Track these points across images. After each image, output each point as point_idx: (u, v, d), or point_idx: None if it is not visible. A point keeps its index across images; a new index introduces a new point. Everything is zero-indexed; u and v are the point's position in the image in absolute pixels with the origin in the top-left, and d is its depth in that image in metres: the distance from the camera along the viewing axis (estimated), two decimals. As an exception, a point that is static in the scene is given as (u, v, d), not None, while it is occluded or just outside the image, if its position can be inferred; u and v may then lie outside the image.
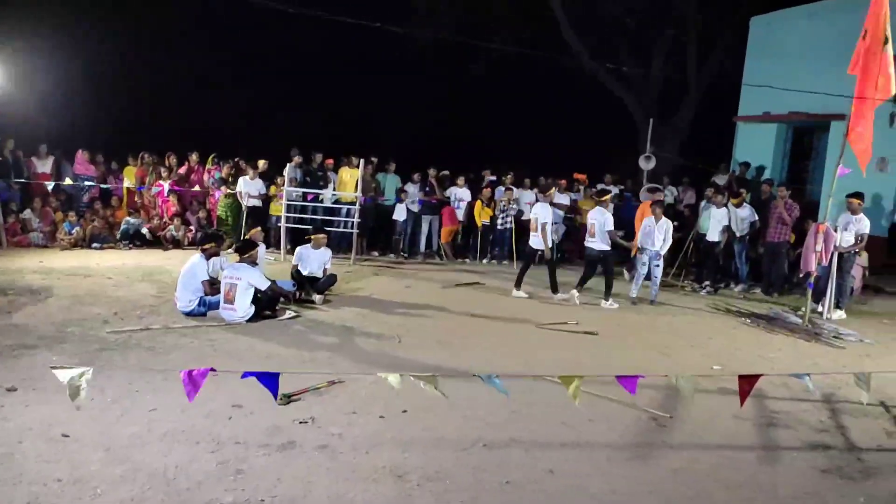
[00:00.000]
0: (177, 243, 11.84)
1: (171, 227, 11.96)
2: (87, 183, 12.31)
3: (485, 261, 12.55)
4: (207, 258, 7.50)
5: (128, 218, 11.90)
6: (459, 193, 12.66)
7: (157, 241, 11.83)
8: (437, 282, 10.05)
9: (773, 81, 11.73)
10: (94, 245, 11.33)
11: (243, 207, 11.84)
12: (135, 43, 17.84)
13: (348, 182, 12.14)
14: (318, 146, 12.91)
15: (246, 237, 9.09)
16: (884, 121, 9.85)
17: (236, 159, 12.79)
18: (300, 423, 4.40)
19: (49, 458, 3.74)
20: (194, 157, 12.87)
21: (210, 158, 12.82)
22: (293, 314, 7.40)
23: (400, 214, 12.40)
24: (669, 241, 9.34)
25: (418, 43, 17.47)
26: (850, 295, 9.35)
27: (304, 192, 12.06)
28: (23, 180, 11.73)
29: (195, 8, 18.13)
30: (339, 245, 11.60)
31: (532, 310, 8.40)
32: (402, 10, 16.89)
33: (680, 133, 17.46)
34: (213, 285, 7.31)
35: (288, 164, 11.70)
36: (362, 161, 11.73)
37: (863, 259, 9.91)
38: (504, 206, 12.40)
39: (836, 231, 8.67)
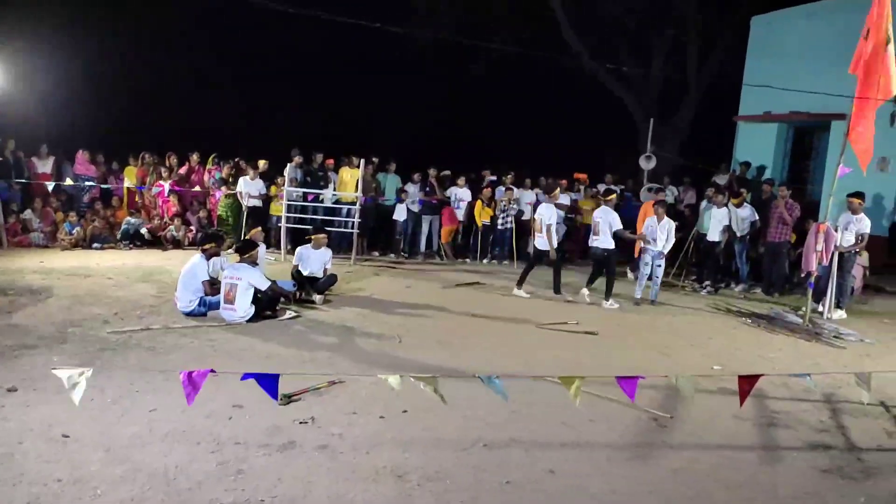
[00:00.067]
0: (177, 243, 11.84)
1: (172, 227, 11.97)
2: (87, 183, 12.32)
3: (485, 261, 12.55)
4: (208, 258, 7.50)
5: (128, 218, 11.91)
6: (460, 193, 12.65)
7: (157, 242, 11.84)
8: (438, 282, 10.05)
9: (773, 81, 11.73)
10: (95, 245, 11.34)
11: (244, 207, 11.84)
12: (135, 43, 17.85)
13: (349, 182, 12.14)
14: (318, 146, 12.92)
15: (246, 237, 9.09)
16: (884, 120, 9.85)
17: (236, 159, 12.80)
18: (300, 423, 4.40)
19: (49, 458, 3.75)
20: (195, 157, 12.87)
21: (210, 158, 12.83)
22: (293, 314, 7.40)
23: (400, 214, 12.40)
24: (672, 241, 9.35)
25: (418, 43, 17.48)
26: (850, 295, 9.35)
27: (304, 193, 12.07)
28: (23, 180, 11.74)
29: (195, 8, 18.13)
30: (339, 245, 11.60)
31: (532, 310, 8.40)
32: (402, 11, 16.90)
33: (680, 133, 17.46)
34: (213, 285, 7.31)
35: (288, 164, 11.71)
36: (363, 161, 11.74)
37: (863, 259, 9.90)
38: (504, 206, 12.39)
39: (836, 231, 8.66)
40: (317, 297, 8.10)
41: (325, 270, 8.62)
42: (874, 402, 5.36)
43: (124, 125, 16.22)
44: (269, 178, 12.28)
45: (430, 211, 12.55)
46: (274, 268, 9.50)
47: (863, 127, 7.73)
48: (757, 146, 14.42)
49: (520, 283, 9.40)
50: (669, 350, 6.88)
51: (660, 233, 9.19)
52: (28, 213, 11.47)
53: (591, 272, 9.36)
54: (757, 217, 10.34)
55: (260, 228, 9.37)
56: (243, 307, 6.98)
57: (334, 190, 12.34)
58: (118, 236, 11.72)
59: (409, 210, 12.39)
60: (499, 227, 12.48)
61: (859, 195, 8.98)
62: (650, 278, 9.27)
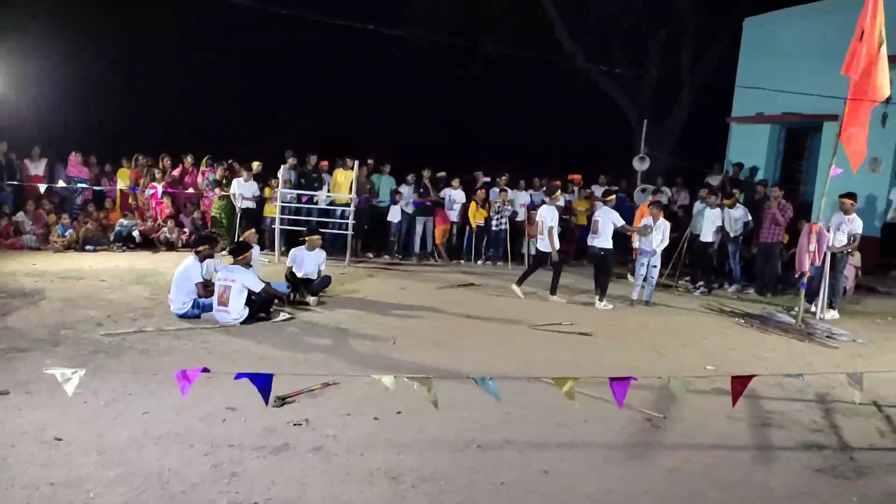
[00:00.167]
0: (170, 245, 11.81)
1: (165, 229, 11.93)
2: (80, 185, 12.27)
3: (479, 262, 12.56)
4: (201, 260, 7.48)
5: (121, 220, 11.86)
6: (453, 195, 12.66)
7: (150, 244, 11.80)
8: (432, 283, 10.05)
9: (766, 82, 11.78)
10: (88, 247, 11.29)
11: (237, 209, 11.82)
12: (128, 45, 17.78)
13: (343, 183, 12.14)
14: (312, 148, 12.91)
15: (240, 239, 9.07)
16: (876, 121, 9.89)
17: (230, 161, 12.78)
18: (294, 425, 4.39)
19: (42, 461, 3.73)
20: (188, 159, 12.83)
21: (204, 160, 12.80)
22: (287, 316, 7.39)
23: (394, 216, 12.40)
24: (666, 241, 9.39)
25: (412, 45, 17.46)
26: (842, 295, 9.39)
27: (298, 194, 12.05)
28: (15, 182, 11.68)
29: (189, 9, 18.08)
30: (333, 247, 11.58)
31: (527, 311, 8.41)
32: (396, 12, 16.90)
33: (673, 134, 17.50)
34: (206, 287, 7.29)
35: (282, 166, 11.69)
36: (357, 163, 11.73)
37: (855, 259, 9.95)
38: (499, 207, 12.41)
39: (828, 231, 8.70)
40: (311, 299, 8.08)
41: (320, 272, 8.61)
42: (866, 401, 5.39)
43: (117, 127, 16.16)
44: (263, 179, 12.26)
45: (424, 212, 12.56)
46: (268, 269, 9.48)
47: (855, 128, 7.77)
48: (750, 147, 14.47)
49: (520, 282, 9.42)
50: (664, 350, 6.90)
51: (655, 233, 9.23)
52: (20, 216, 11.42)
53: (594, 275, 9.33)
54: (750, 218, 10.38)
55: (254, 230, 9.36)
56: (237, 309, 6.96)
57: (328, 191, 12.33)
58: (111, 238, 11.67)
59: (403, 211, 12.39)
60: (493, 228, 12.49)
61: (851, 196, 9.03)
62: (645, 279, 9.30)
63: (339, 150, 12.96)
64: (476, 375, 3.98)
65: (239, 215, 11.75)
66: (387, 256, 12.42)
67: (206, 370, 3.83)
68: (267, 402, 3.84)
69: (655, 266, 9.32)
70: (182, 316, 7.08)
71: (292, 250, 8.87)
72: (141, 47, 18.00)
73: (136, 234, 11.71)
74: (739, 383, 4.07)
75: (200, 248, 7.60)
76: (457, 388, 5.17)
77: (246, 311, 7.03)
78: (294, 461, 3.91)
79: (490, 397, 3.89)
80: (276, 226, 11.41)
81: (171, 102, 17.80)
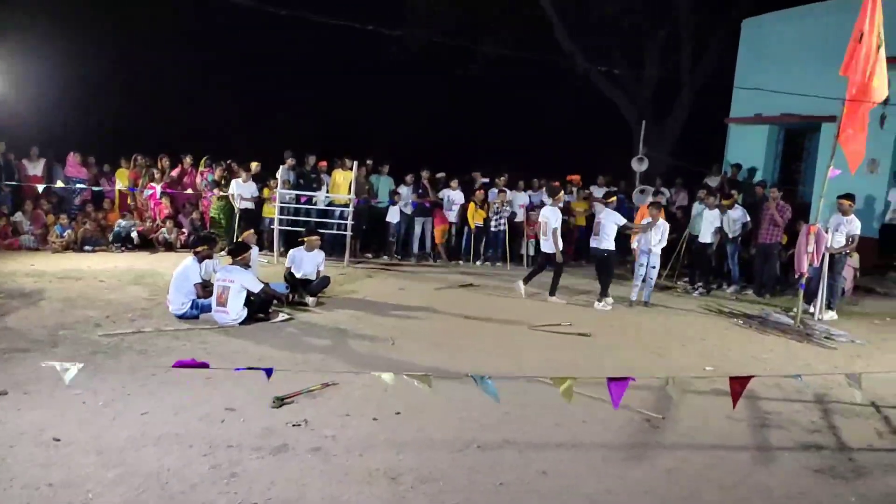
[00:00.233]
0: (169, 246, 11.81)
1: (164, 229, 11.93)
2: (78, 185, 12.26)
3: (478, 263, 12.57)
4: (200, 261, 7.48)
5: (120, 220, 11.86)
6: (452, 196, 12.66)
7: (149, 244, 11.80)
8: (431, 284, 10.06)
9: (764, 83, 11.79)
10: (86, 248, 11.28)
11: (236, 210, 11.82)
12: (127, 45, 17.77)
13: (341, 184, 12.14)
14: (311, 148, 12.91)
15: (239, 240, 9.07)
16: (874, 122, 9.91)
17: (229, 161, 12.77)
18: (293, 425, 4.39)
19: (41, 461, 3.72)
20: (187, 159, 12.83)
21: (203, 161, 12.79)
22: (286, 317, 7.39)
23: (393, 216, 12.40)
24: (664, 242, 9.41)
25: (411, 45, 17.47)
26: (841, 296, 9.40)
27: (297, 195, 12.05)
28: (14, 183, 11.67)
29: (188, 10, 18.09)
30: (332, 247, 11.58)
31: (526, 311, 8.41)
32: (396, 12, 16.91)
33: (672, 134, 17.51)
34: (205, 288, 7.29)
35: (281, 167, 11.69)
36: (356, 163, 11.74)
37: (854, 260, 9.97)
38: (497, 208, 12.41)
39: (827, 232, 8.72)
40: (310, 300, 8.08)
41: (318, 272, 8.61)
42: (865, 402, 5.40)
43: (116, 127, 16.16)
44: (262, 180, 12.26)
45: (422, 213, 12.56)
46: (267, 270, 9.48)
47: (854, 129, 7.78)
48: (748, 148, 14.48)
49: (526, 280, 9.46)
50: (662, 351, 6.91)
51: (654, 233, 9.26)
52: (18, 216, 11.41)
53: (598, 279, 9.37)
54: (748, 219, 10.39)
55: (252, 231, 9.36)
56: (236, 310, 6.96)
57: (327, 192, 12.33)
58: (110, 239, 11.66)
59: (401, 212, 12.40)
60: (492, 229, 12.50)
61: (850, 197, 9.04)
62: (643, 280, 9.32)
63: (338, 150, 12.97)
64: (475, 375, 3.98)
65: (238, 216, 11.75)
66: (385, 257, 12.42)
67: (205, 364, 3.84)
68: (269, 375, 3.85)
69: (654, 267, 9.34)
70: (181, 316, 7.08)
71: (291, 251, 8.87)
72: (140, 47, 18.00)
73: (134, 234, 11.70)
74: (738, 384, 4.07)
75: (199, 249, 7.60)
76: (456, 388, 5.18)
77: (245, 312, 7.02)
78: (293, 462, 3.91)
79: (489, 397, 3.89)
80: (275, 226, 11.41)
81: (170, 103, 17.79)
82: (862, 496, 3.88)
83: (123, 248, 11.52)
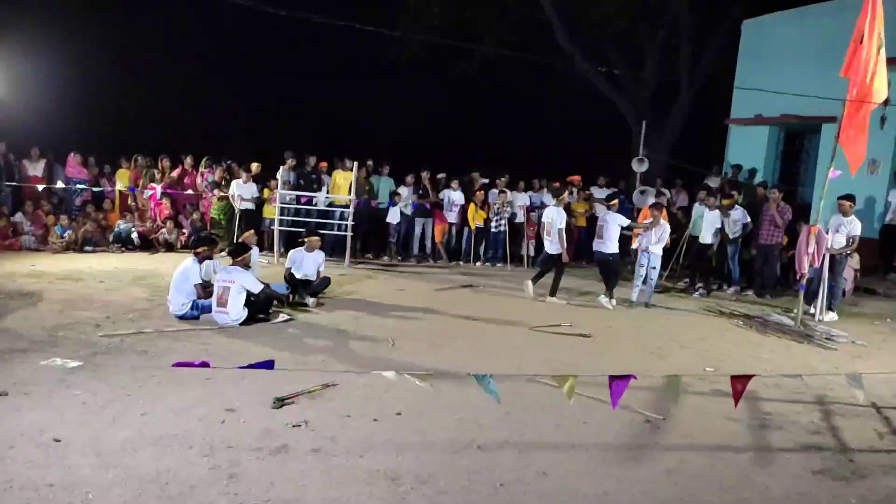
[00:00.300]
0: (169, 247, 11.81)
1: (164, 230, 11.93)
2: (79, 186, 12.26)
3: (478, 263, 12.57)
4: (200, 261, 7.48)
5: (120, 221, 11.86)
6: (452, 196, 12.66)
7: (149, 245, 11.80)
8: (431, 284, 10.06)
9: (764, 84, 11.80)
10: (87, 248, 11.29)
11: (236, 211, 11.82)
12: (128, 45, 17.79)
13: (342, 185, 12.15)
14: (311, 149, 12.92)
15: (239, 240, 9.07)
16: (874, 124, 9.91)
17: (229, 162, 12.77)
18: (293, 426, 4.39)
19: (40, 462, 3.72)
20: (188, 160, 12.83)
21: (203, 161, 12.79)
22: (286, 317, 7.39)
23: (393, 217, 12.41)
24: (663, 241, 9.42)
25: (410, 46, 17.48)
26: (841, 297, 9.39)
27: (297, 195, 12.05)
28: (14, 183, 11.67)
29: (189, 11, 18.10)
30: (332, 248, 11.58)
31: (526, 312, 8.41)
32: (396, 13, 16.92)
33: (673, 135, 17.52)
34: (206, 289, 7.29)
35: (281, 167, 11.70)
36: (356, 164, 11.74)
37: (854, 261, 9.96)
38: (498, 208, 12.41)
39: (827, 233, 8.71)
40: (310, 300, 8.08)
41: (319, 273, 8.61)
42: (865, 403, 5.40)
43: (116, 127, 16.16)
44: (262, 181, 12.26)
45: (422, 213, 12.56)
46: (267, 271, 9.48)
47: (854, 130, 7.78)
48: (748, 149, 14.49)
49: (535, 280, 9.49)
50: (662, 352, 6.90)
51: (653, 233, 9.28)
52: (19, 216, 11.41)
53: (604, 280, 9.42)
54: (749, 220, 10.38)
55: (253, 231, 9.36)
56: (236, 310, 6.96)
57: (327, 193, 12.33)
58: (110, 239, 11.67)
59: (402, 213, 12.40)
60: (492, 229, 12.50)
61: (850, 197, 9.03)
62: (644, 281, 9.32)
63: (339, 151, 12.98)
64: (477, 374, 3.98)
65: (238, 217, 11.75)
66: (386, 258, 12.42)
67: (206, 364, 3.83)
68: (272, 367, 3.84)
69: (655, 268, 9.35)
70: (181, 317, 7.08)
71: (291, 252, 8.87)
72: (140, 48, 18.03)
73: (134, 236, 11.70)
74: (739, 383, 4.07)
75: (199, 250, 7.60)
76: (456, 389, 5.18)
77: (245, 313, 7.02)
78: (293, 463, 3.90)
79: (488, 398, 3.89)
80: (276, 227, 11.41)
81: (171, 103, 17.80)
82: (862, 497, 3.87)
83: (124, 249, 11.53)
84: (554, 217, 9.30)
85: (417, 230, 12.64)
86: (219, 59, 19.37)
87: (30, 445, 3.92)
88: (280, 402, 4.71)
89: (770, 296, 10.20)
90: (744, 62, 14.83)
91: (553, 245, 9.33)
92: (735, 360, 6.70)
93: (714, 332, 7.95)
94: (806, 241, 8.28)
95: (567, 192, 10.10)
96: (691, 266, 11.05)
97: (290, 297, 8.15)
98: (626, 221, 9.26)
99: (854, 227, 8.90)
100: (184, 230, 12.24)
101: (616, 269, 9.32)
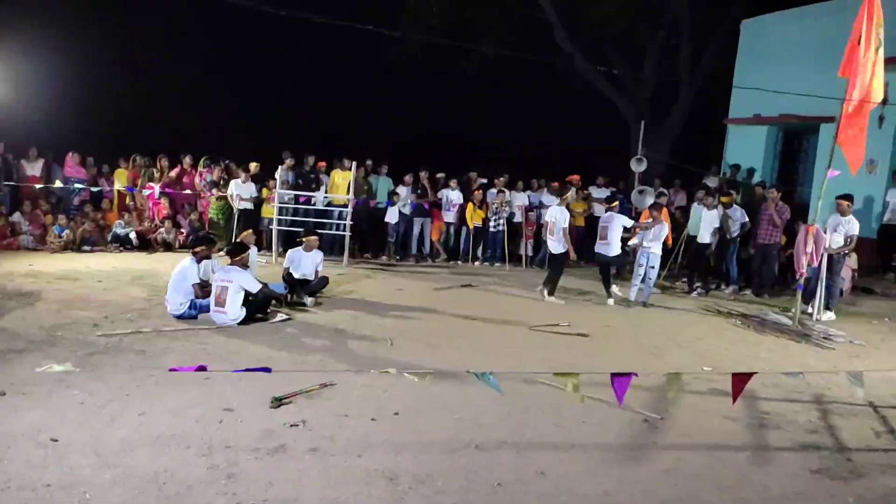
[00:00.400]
0: (168, 246, 11.80)
1: (162, 229, 11.92)
2: (77, 186, 12.25)
3: (477, 263, 12.57)
4: (198, 261, 7.47)
5: (119, 221, 11.85)
6: (451, 196, 12.66)
7: (147, 245, 11.79)
8: (430, 284, 10.06)
9: (763, 84, 11.80)
10: (85, 248, 11.28)
11: (235, 210, 11.81)
12: (127, 45, 17.78)
13: (340, 184, 12.15)
14: (310, 148, 12.92)
15: (237, 240, 9.06)
16: (873, 123, 9.92)
17: (227, 161, 12.76)
18: (291, 426, 4.38)
19: (38, 463, 3.72)
20: (187, 159, 12.82)
21: (202, 161, 12.79)
22: (285, 317, 7.38)
23: (392, 216, 12.41)
24: (660, 239, 9.44)
25: (409, 46, 17.48)
26: (839, 296, 9.41)
27: (296, 195, 12.05)
28: (12, 183, 11.66)
29: (188, 10, 18.09)
30: (331, 248, 11.59)
31: (525, 312, 8.41)
32: (395, 13, 16.91)
33: (671, 135, 17.52)
34: (204, 288, 7.28)
35: (280, 167, 11.69)
36: (354, 163, 11.74)
37: (852, 261, 9.97)
38: (497, 208, 12.41)
39: (825, 233, 8.72)
40: (308, 300, 8.08)
41: (317, 273, 8.61)
42: (863, 402, 5.41)
43: (115, 128, 16.16)
44: (261, 180, 12.26)
45: (421, 213, 12.56)
46: (265, 270, 9.47)
47: (853, 130, 7.78)
48: (747, 149, 14.49)
49: (545, 283, 9.48)
50: (660, 351, 6.91)
51: (652, 231, 9.31)
52: (17, 216, 11.40)
53: (603, 279, 9.51)
54: (747, 219, 10.39)
55: (251, 231, 9.36)
56: (234, 310, 6.95)
57: (326, 192, 12.33)
58: (108, 239, 11.66)
59: (400, 212, 12.40)
60: (491, 229, 12.50)
61: (848, 197, 9.04)
62: (643, 280, 9.33)
63: (337, 150, 12.98)
64: (477, 372, 3.98)
65: (236, 216, 11.74)
66: (384, 257, 12.43)
67: (203, 368, 3.83)
68: (269, 371, 3.83)
69: (653, 267, 9.36)
70: (179, 317, 7.07)
71: (290, 251, 8.87)
72: (139, 48, 18.02)
73: (132, 236, 11.69)
74: (739, 381, 4.07)
75: (198, 249, 7.59)
76: (454, 388, 5.18)
77: (243, 312, 7.02)
78: (291, 462, 3.90)
79: (487, 398, 3.90)
80: (274, 227, 11.41)
81: (169, 103, 17.80)
82: (859, 496, 3.88)
83: (122, 249, 11.52)
84: (557, 216, 9.32)
85: (416, 230, 12.64)
86: (218, 59, 19.37)
87: (28, 445, 3.91)
88: (278, 402, 4.71)
89: (768, 295, 10.21)
90: (742, 62, 14.84)
91: (556, 245, 9.35)
92: (733, 360, 6.70)
93: (712, 332, 7.96)
94: (804, 240, 8.28)
95: (571, 192, 10.12)
96: (689, 265, 11.06)
97: (289, 296, 8.14)
98: (629, 222, 9.34)
99: (852, 226, 8.91)
100: (182, 230, 12.24)
101: (618, 268, 9.38)
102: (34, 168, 12.06)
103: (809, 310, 8.85)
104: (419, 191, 12.57)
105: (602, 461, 4.16)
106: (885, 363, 6.86)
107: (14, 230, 11.28)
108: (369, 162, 12.87)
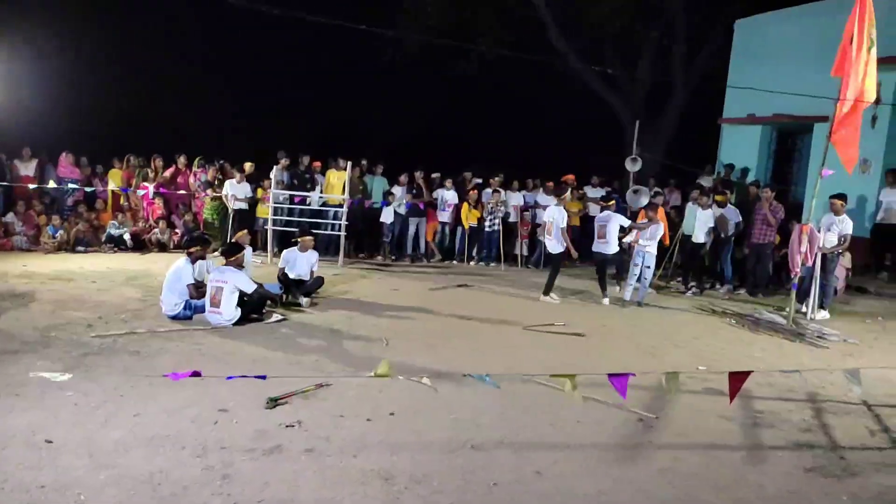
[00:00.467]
0: (162, 246, 11.76)
1: (157, 230, 11.88)
2: (71, 186, 12.20)
3: (472, 263, 12.57)
4: (193, 261, 7.44)
5: (113, 221, 11.81)
6: (446, 196, 12.66)
7: (142, 245, 11.75)
8: (425, 284, 10.06)
9: (757, 84, 11.82)
10: (79, 249, 11.23)
11: (230, 210, 11.78)
12: (121, 45, 17.72)
13: (335, 184, 12.13)
14: (305, 148, 12.90)
15: (232, 240, 9.04)
16: (866, 122, 9.95)
17: (221, 161, 12.73)
18: (287, 426, 4.38)
19: (32, 464, 3.70)
20: (181, 159, 12.78)
21: (196, 161, 12.75)
22: (280, 317, 7.37)
23: (387, 217, 12.40)
24: (656, 239, 9.47)
25: (405, 46, 17.48)
26: (833, 295, 9.44)
27: (291, 195, 12.02)
28: (5, 183, 11.60)
29: (182, 10, 18.04)
30: (326, 248, 11.57)
31: (520, 311, 8.42)
32: (391, 13, 16.91)
33: (666, 135, 17.56)
34: (199, 289, 7.26)
35: (275, 167, 11.67)
36: (350, 163, 11.72)
37: (846, 260, 10.00)
38: (492, 208, 12.42)
39: (819, 232, 8.75)
40: (303, 300, 8.07)
41: (312, 273, 8.60)
42: (857, 401, 5.43)
43: (109, 128, 16.10)
44: (256, 180, 12.23)
45: (416, 213, 12.55)
46: (260, 271, 9.46)
47: (846, 130, 7.81)
48: (741, 148, 14.53)
49: (548, 291, 9.43)
50: (656, 351, 6.92)
51: (648, 230, 9.34)
52: (10, 217, 11.35)
53: (599, 278, 9.55)
54: (740, 218, 10.43)
55: (246, 231, 9.32)
56: (229, 310, 6.94)
57: (321, 192, 12.31)
58: (102, 240, 11.61)
59: (395, 212, 12.39)
60: (486, 229, 12.50)
61: (842, 197, 9.09)
62: (638, 280, 9.35)
63: (332, 150, 12.96)
64: (474, 374, 3.98)
65: (231, 216, 11.72)
66: (379, 257, 12.42)
67: (196, 374, 3.81)
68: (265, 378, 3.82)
69: (649, 267, 9.39)
70: (174, 317, 7.05)
71: (285, 251, 8.86)
72: (133, 47, 17.95)
73: (127, 237, 11.65)
74: (736, 380, 4.09)
75: (192, 250, 7.56)
76: (450, 388, 5.18)
77: (238, 313, 7.00)
78: (286, 463, 3.90)
79: (483, 398, 3.90)
80: (269, 227, 11.38)
81: (164, 102, 17.75)
82: (853, 495, 3.90)
83: (116, 249, 11.47)
84: (556, 216, 9.35)
85: (411, 230, 12.63)
86: (212, 59, 19.32)
87: (22, 447, 3.89)
88: (273, 403, 4.70)
89: (762, 294, 10.24)
90: (736, 62, 14.88)
91: (554, 244, 9.36)
92: (728, 359, 6.72)
93: (707, 331, 7.98)
94: (798, 239, 8.31)
95: (569, 192, 10.16)
96: (684, 265, 11.09)
97: (284, 296, 8.13)
98: (626, 222, 9.38)
99: (846, 225, 8.95)
100: (176, 230, 12.20)
101: (620, 266, 9.54)
102: (28, 168, 12.01)
103: (803, 309, 8.88)
104: (414, 191, 12.56)
105: (598, 461, 4.17)
106: (879, 362, 6.88)
107: (7, 231, 11.23)
108: (364, 162, 12.85)
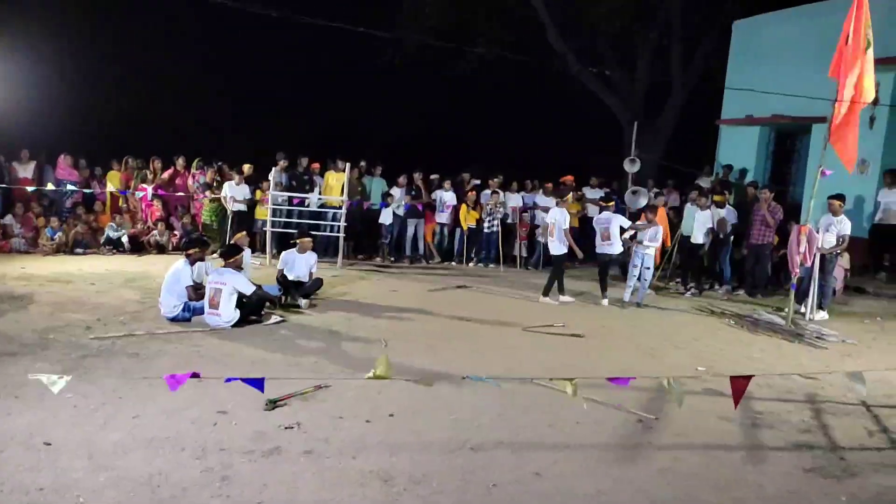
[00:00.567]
0: (161, 248, 11.76)
1: (155, 231, 11.88)
2: (69, 188, 12.19)
3: (471, 264, 12.57)
4: (192, 263, 7.44)
5: (111, 223, 11.80)
6: (445, 197, 12.66)
7: (140, 247, 11.74)
8: (424, 285, 10.06)
9: (755, 85, 11.85)
10: (77, 251, 11.22)
11: (229, 212, 11.78)
12: (120, 46, 17.73)
13: (334, 186, 12.13)
14: (303, 150, 12.90)
15: (231, 242, 9.04)
16: (864, 123, 9.97)
17: (220, 163, 12.72)
18: (286, 428, 4.37)
19: (31, 466, 3.70)
20: (180, 161, 12.77)
21: (195, 162, 12.75)
22: (279, 319, 7.37)
23: (386, 218, 12.40)
24: (657, 241, 9.47)
25: (404, 47, 17.48)
26: (832, 296, 9.45)
27: (289, 197, 12.02)
28: (4, 185, 11.59)
29: (181, 12, 18.04)
30: (325, 249, 11.58)
31: (519, 312, 8.42)
32: (389, 14, 16.92)
33: (664, 136, 17.58)
34: (197, 290, 7.26)
35: (273, 168, 11.67)
36: (348, 165, 11.72)
37: (844, 260, 10.01)
38: (491, 209, 12.42)
39: (818, 232, 8.76)
40: (302, 302, 8.07)
41: (311, 275, 8.59)
42: (855, 401, 5.43)
43: (108, 129, 16.09)
44: (255, 182, 12.23)
45: (415, 214, 12.56)
46: (259, 272, 9.46)
47: (844, 130, 7.82)
48: (739, 149, 14.55)
49: (561, 290, 9.42)
50: (655, 352, 6.92)
51: (649, 231, 9.35)
52: (9, 219, 11.34)
53: (600, 279, 9.56)
54: (737, 220, 10.43)
55: (245, 233, 9.32)
56: (228, 312, 6.93)
57: (320, 194, 12.31)
58: (101, 241, 11.60)
59: (394, 214, 12.39)
60: (485, 230, 12.50)
61: (840, 197, 9.10)
62: (638, 280, 9.36)
63: (331, 152, 12.96)
64: (472, 376, 3.98)
65: (230, 218, 11.71)
66: (378, 259, 12.41)
67: (195, 375, 3.81)
68: (262, 388, 3.83)
69: (648, 268, 9.41)
70: (172, 319, 7.05)
71: (283, 253, 8.85)
72: (132, 49, 17.96)
73: (125, 239, 11.65)
74: (739, 384, 4.08)
75: (191, 251, 7.56)
76: (449, 389, 5.18)
77: (237, 314, 7.00)
78: (285, 464, 3.89)
79: (482, 399, 3.90)
80: (268, 228, 11.38)
81: (162, 104, 17.75)
82: (852, 495, 3.90)
83: (114, 251, 11.47)
84: (558, 217, 9.36)
85: (410, 231, 12.63)
86: (211, 61, 19.33)
87: (20, 449, 3.89)
88: (272, 404, 4.70)
89: (761, 295, 10.25)
90: (735, 62, 14.90)
91: (557, 246, 9.37)
92: (728, 360, 6.72)
93: (707, 332, 7.98)
94: (797, 240, 8.32)
95: (571, 194, 10.17)
96: (683, 265, 11.10)
97: (283, 298, 8.13)
98: (626, 222, 9.43)
99: (844, 226, 8.96)
100: (175, 232, 12.19)
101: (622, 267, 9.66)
102: (26, 170, 12.00)
103: (802, 309, 8.89)
104: (413, 192, 12.57)
105: (598, 461, 4.17)
106: (877, 362, 6.90)
107: (6, 233, 11.22)
108: (363, 163, 12.86)
